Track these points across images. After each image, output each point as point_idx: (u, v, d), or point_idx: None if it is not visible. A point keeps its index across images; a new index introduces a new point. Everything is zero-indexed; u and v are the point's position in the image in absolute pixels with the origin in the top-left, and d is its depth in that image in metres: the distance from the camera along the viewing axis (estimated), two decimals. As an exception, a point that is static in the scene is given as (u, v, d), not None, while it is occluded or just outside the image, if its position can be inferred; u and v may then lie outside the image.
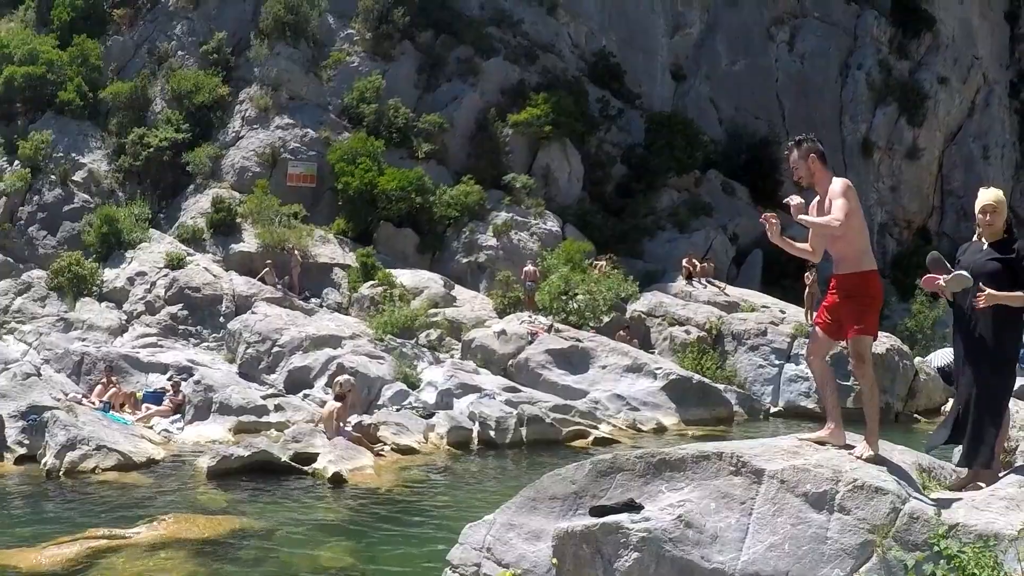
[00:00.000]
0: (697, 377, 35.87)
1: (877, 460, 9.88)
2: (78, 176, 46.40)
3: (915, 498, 9.08)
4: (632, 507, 10.10)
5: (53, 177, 45.63)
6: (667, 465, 10.32)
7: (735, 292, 44.03)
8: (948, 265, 10.79)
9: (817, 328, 10.57)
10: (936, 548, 7.65)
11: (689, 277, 44.43)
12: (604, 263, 44.59)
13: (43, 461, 26.36)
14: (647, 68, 61.08)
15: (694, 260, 45.38)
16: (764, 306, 42.36)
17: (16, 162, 46.03)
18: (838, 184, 10.12)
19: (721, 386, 36.44)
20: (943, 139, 67.06)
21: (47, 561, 17.90)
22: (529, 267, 42.12)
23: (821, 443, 10.31)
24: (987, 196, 10.41)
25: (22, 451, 27.49)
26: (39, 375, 34.27)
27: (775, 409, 37.40)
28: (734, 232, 54.04)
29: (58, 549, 18.45)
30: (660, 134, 54.75)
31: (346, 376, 30.23)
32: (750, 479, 9.72)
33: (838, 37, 65.29)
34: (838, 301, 10.27)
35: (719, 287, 44.21)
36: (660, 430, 32.62)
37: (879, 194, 63.35)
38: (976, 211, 10.48)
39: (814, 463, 9.63)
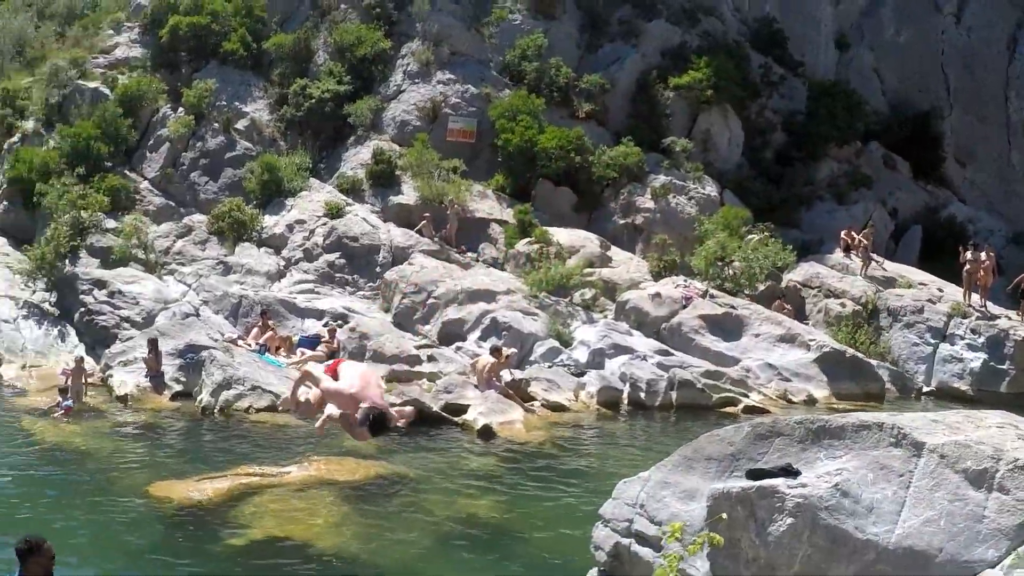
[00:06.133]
0: (850, 351, 35.39)
1: None
2: (240, 124, 47.04)
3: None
4: (789, 472, 10.07)
5: (216, 125, 46.34)
6: (826, 432, 10.27)
7: (893, 268, 43.12)
8: None
9: None
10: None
11: (847, 249, 43.74)
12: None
13: (199, 398, 27.10)
14: (810, 36, 60.16)
15: (853, 233, 44.60)
16: (922, 283, 41.39)
17: (180, 109, 46.82)
18: None
19: (874, 362, 35.94)
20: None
21: (198, 494, 18.42)
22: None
23: None
24: None
25: (179, 388, 28.29)
26: (198, 315, 35.14)
27: (927, 389, 36.71)
28: (894, 207, 53.15)
29: (211, 483, 18.96)
30: (822, 103, 53.90)
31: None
32: (910, 452, 9.62)
33: (1006, 9, 63.61)
34: None
35: (877, 261, 43.38)
36: (810, 402, 32.29)
37: (1047, 174, 61.88)
38: None
39: (975, 440, 9.49)
